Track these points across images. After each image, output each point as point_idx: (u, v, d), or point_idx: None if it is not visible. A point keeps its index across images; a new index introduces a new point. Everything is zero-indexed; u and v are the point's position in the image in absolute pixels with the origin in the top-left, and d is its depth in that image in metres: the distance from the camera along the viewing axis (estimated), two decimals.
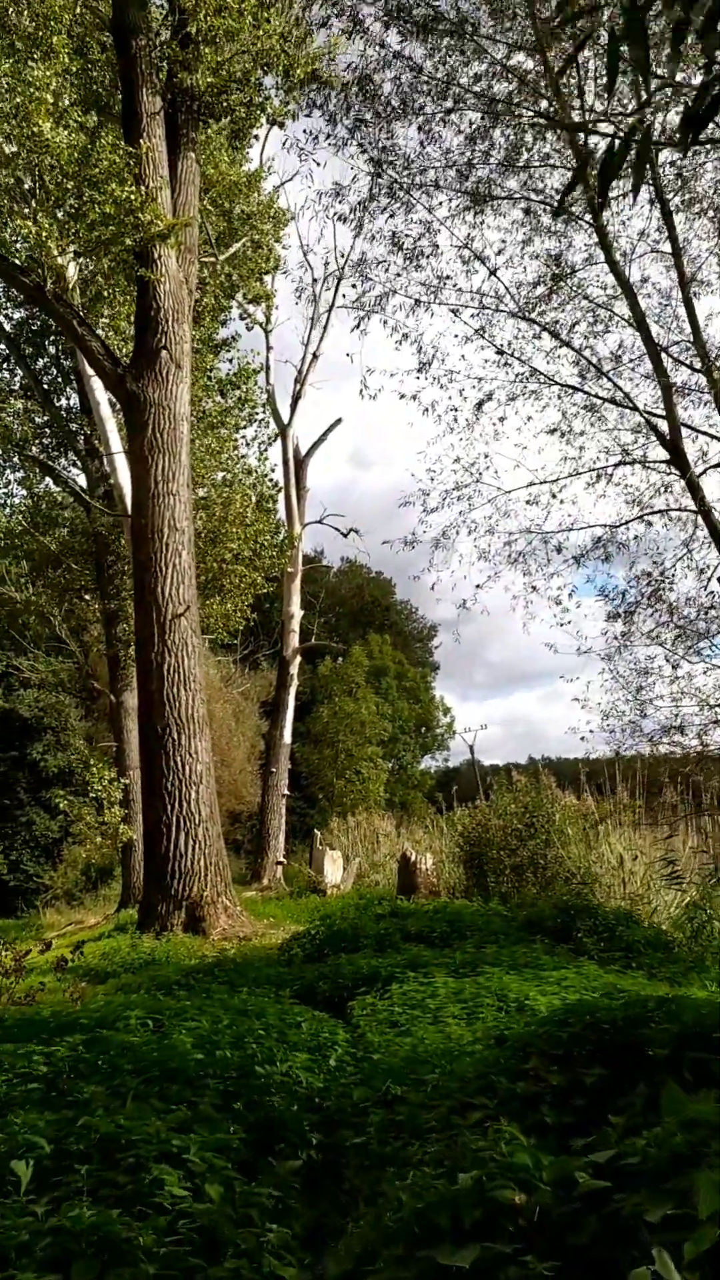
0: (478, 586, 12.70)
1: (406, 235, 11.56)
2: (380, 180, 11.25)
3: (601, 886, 15.23)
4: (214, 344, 28.38)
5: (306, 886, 22.62)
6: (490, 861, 16.71)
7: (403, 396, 12.40)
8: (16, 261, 15.59)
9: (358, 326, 12.48)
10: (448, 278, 11.68)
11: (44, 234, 14.58)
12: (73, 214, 14.90)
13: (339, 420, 33.70)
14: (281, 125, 18.20)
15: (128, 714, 23.98)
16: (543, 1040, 4.13)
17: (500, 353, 11.53)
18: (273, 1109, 4.17)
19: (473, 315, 11.70)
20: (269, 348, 31.89)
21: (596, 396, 11.34)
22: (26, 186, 14.91)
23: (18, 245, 15.74)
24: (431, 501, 12.57)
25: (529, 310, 11.28)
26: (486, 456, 12.05)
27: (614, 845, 15.50)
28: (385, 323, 11.85)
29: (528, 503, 11.69)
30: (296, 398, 32.23)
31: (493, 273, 11.35)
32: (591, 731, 11.58)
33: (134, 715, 19.00)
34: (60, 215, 15.07)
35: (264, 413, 29.31)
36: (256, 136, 20.73)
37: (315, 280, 33.36)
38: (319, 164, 11.98)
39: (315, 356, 32.48)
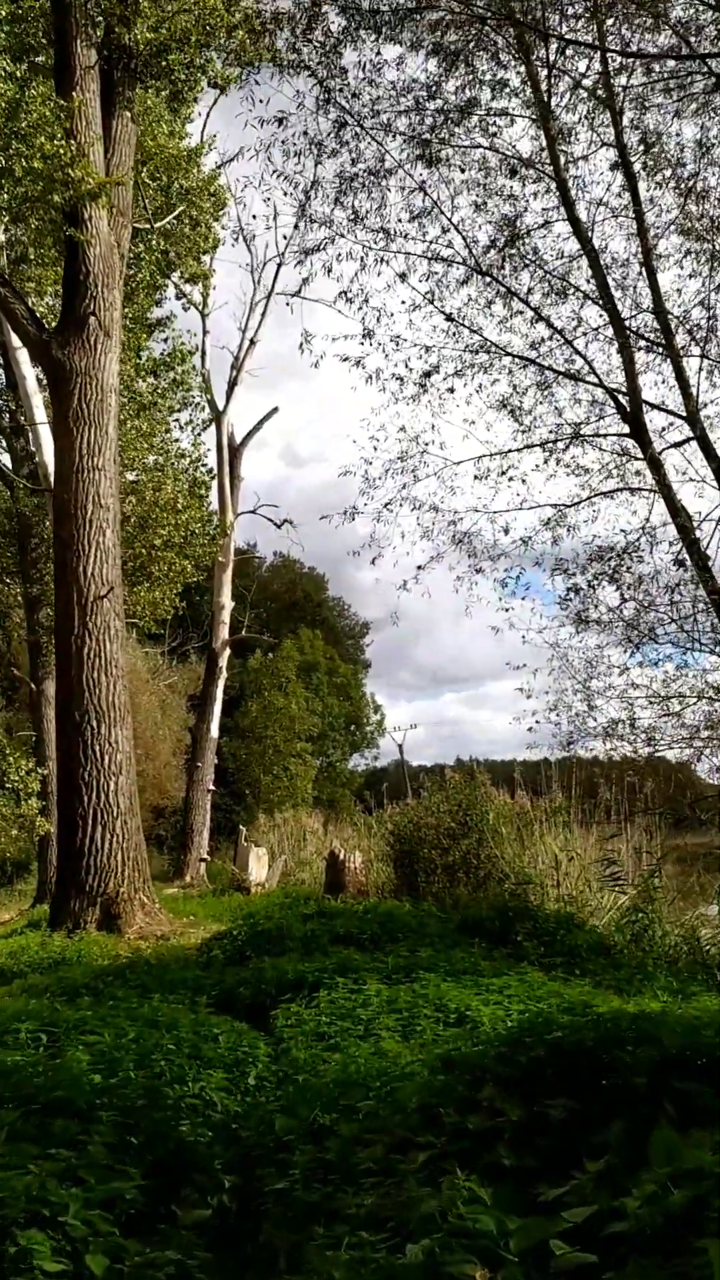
0: (419, 567, 12.10)
1: (355, 181, 10.88)
2: (328, 110, 10.58)
3: (535, 887, 14.79)
4: (148, 323, 27.49)
5: (230, 884, 21.92)
6: (422, 861, 16.17)
7: (345, 359, 11.73)
8: None
9: (299, 264, 11.74)
10: (398, 235, 11.04)
11: None
12: None
13: (275, 409, 32.95)
14: (224, 89, 17.47)
15: (48, 703, 23.03)
16: (497, 1064, 3.56)
17: (450, 319, 10.95)
18: (180, 1143, 3.55)
19: (421, 278, 11.14)
20: (205, 331, 31.26)
21: (551, 369, 10.84)
22: None
23: None
24: (374, 471, 11.90)
25: (483, 266, 10.67)
26: (434, 427, 11.46)
27: (549, 845, 15.06)
28: (329, 270, 11.14)
29: (476, 478, 11.14)
30: (233, 384, 31.51)
31: (447, 229, 10.75)
32: (538, 722, 11.04)
33: (55, 704, 18.13)
34: None
35: (199, 396, 28.51)
36: (197, 99, 19.91)
37: (255, 266, 32.70)
38: (262, 102, 11.09)
39: (253, 343, 31.80)
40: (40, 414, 21.83)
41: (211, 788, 28.20)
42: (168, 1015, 5.48)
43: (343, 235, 10.95)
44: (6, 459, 26.63)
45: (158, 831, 34.38)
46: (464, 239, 10.78)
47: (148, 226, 19.01)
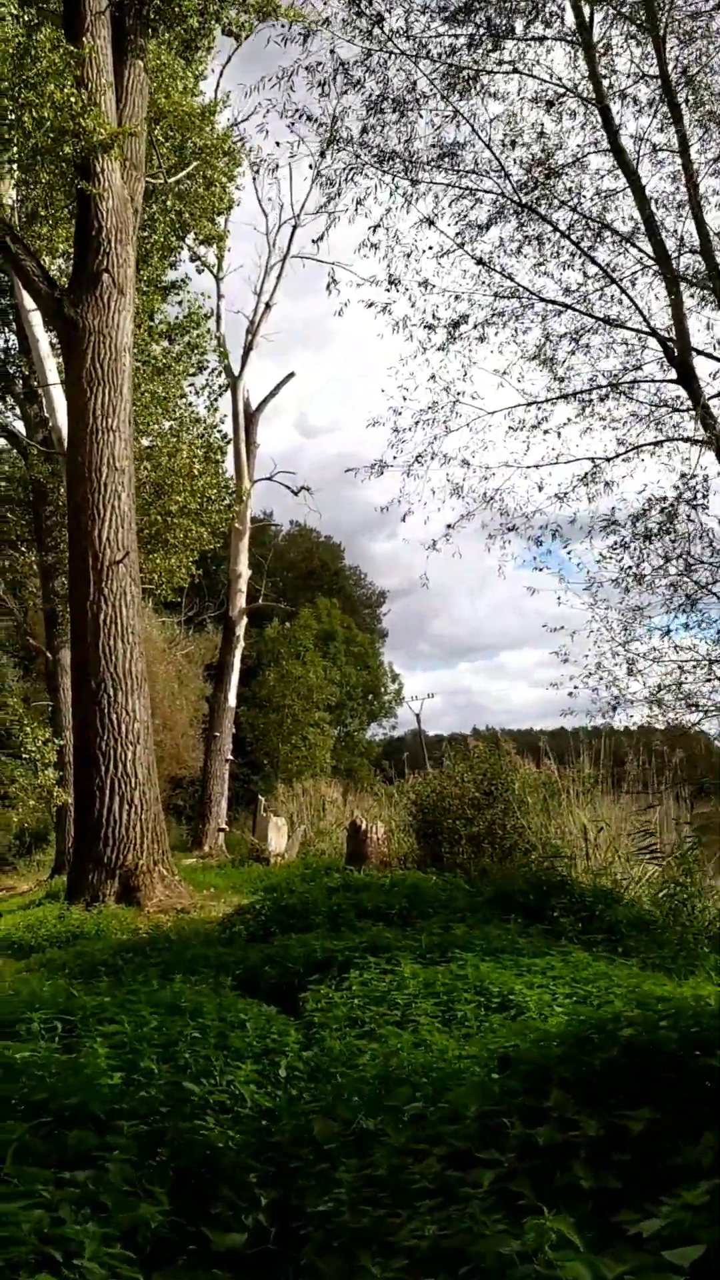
0: (449, 526, 11.63)
1: (383, 112, 10.31)
2: (357, 22, 9.98)
3: (563, 859, 14.44)
4: (162, 285, 26.94)
5: (249, 854, 21.65)
6: (445, 831, 15.83)
7: (371, 304, 11.20)
8: None
9: (325, 204, 11.19)
10: (427, 169, 10.46)
11: None
12: (6, 116, 13.50)
13: (291, 374, 32.34)
14: (238, 36, 16.87)
15: (64, 672, 22.73)
16: (561, 1065, 3.19)
17: (481, 263, 10.42)
18: (208, 1152, 3.19)
19: (450, 222, 10.61)
20: (220, 295, 30.51)
21: (590, 315, 10.33)
22: None
23: None
24: (404, 421, 11.39)
25: (522, 199, 10.09)
26: (465, 375, 10.93)
27: (578, 816, 14.69)
28: (359, 204, 10.58)
29: (511, 429, 10.64)
30: (248, 348, 30.88)
31: (479, 167, 10.16)
32: (576, 688, 10.60)
33: (71, 672, 17.81)
34: None
35: (214, 360, 27.98)
36: (210, 48, 19.27)
37: (269, 229, 32.02)
38: (279, 43, 10.53)
39: (268, 306, 31.17)
40: (54, 377, 21.40)
41: (230, 757, 27.92)
42: (191, 1000, 5.14)
43: (369, 169, 10.40)
44: (20, 426, 26.24)
45: (175, 802, 34.20)
46: (502, 167, 10.20)
47: (161, 182, 18.41)
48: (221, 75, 26.66)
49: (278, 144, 22.44)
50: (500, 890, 9.25)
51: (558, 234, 10.12)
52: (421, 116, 10.38)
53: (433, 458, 11.07)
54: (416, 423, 11.12)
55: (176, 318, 26.63)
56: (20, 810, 29.34)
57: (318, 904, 8.95)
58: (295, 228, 31.22)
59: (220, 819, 26.74)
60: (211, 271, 30.23)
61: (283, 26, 15.03)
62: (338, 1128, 3.38)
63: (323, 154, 10.75)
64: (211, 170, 25.90)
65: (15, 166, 15.46)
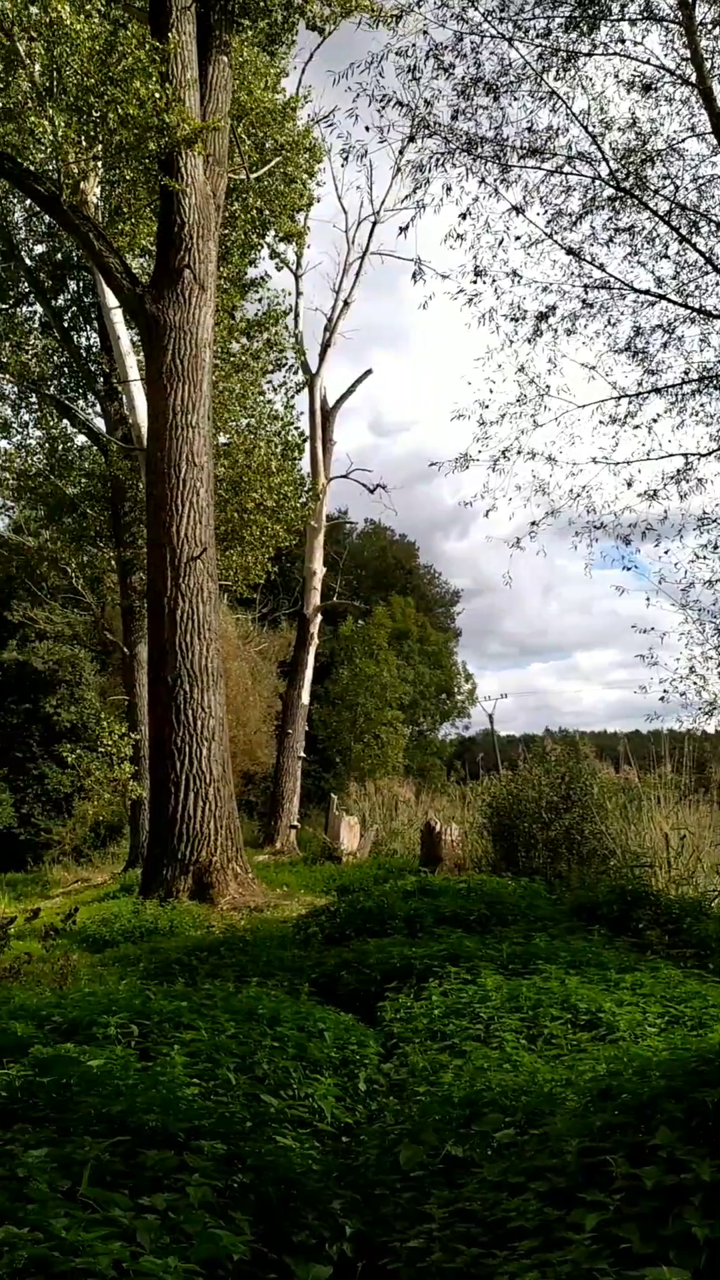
0: (534, 524, 11.34)
1: (474, 95, 10.08)
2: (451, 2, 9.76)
3: (644, 867, 14.07)
4: (242, 283, 27.00)
5: (322, 853, 21.56)
6: (521, 835, 15.55)
7: (459, 293, 10.94)
8: (31, 168, 14.31)
9: (415, 191, 10.98)
10: (518, 153, 10.19)
11: (60, 135, 13.29)
12: (91, 113, 13.55)
13: (369, 371, 32.24)
14: (321, 31, 16.77)
15: (141, 667, 22.90)
16: (669, 1099, 2.97)
17: (572, 253, 10.15)
18: (289, 1174, 3.04)
19: (540, 213, 10.35)
20: (299, 293, 30.34)
21: (685, 305, 9.98)
22: (42, 82, 13.57)
23: (31, 151, 14.45)
24: (490, 414, 11.13)
25: (617, 178, 9.74)
26: (552, 368, 10.65)
27: (659, 822, 14.31)
28: (448, 190, 10.35)
29: (601, 423, 10.34)
30: (326, 345, 30.77)
31: (571, 154, 9.86)
32: (666, 692, 10.27)
33: (147, 668, 17.88)
34: (78, 119, 13.74)
35: (292, 358, 27.95)
36: (294, 41, 19.19)
37: (349, 225, 31.86)
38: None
39: (347, 303, 31.00)
40: (134, 373, 21.54)
41: (302, 755, 27.89)
42: (268, 1006, 5.00)
43: (459, 154, 10.16)
44: (101, 423, 26.51)
45: (248, 798, 34.29)
46: (601, 152, 9.90)
47: (243, 178, 18.39)
48: (304, 72, 26.59)
49: (366, 129, 22.21)
50: (582, 899, 9.00)
51: (653, 221, 9.81)
52: (515, 100, 10.15)
53: (519, 453, 10.81)
54: (503, 416, 10.87)
55: (256, 314, 26.68)
56: (96, 803, 29.75)
57: (394, 908, 8.79)
58: (375, 224, 31.02)
59: (292, 816, 26.72)
60: (290, 269, 30.23)
61: (369, 7, 14.90)
62: (425, 1154, 3.20)
63: (412, 139, 10.55)
64: (292, 167, 25.94)
65: (100, 164, 15.52)
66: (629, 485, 10.65)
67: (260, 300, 26.96)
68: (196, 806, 13.19)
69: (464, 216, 10.75)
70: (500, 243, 10.70)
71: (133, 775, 22.08)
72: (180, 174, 14.16)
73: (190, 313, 14.25)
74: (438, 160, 10.49)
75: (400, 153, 10.87)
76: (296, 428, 27.04)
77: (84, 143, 13.84)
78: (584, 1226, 2.50)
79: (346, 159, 12.55)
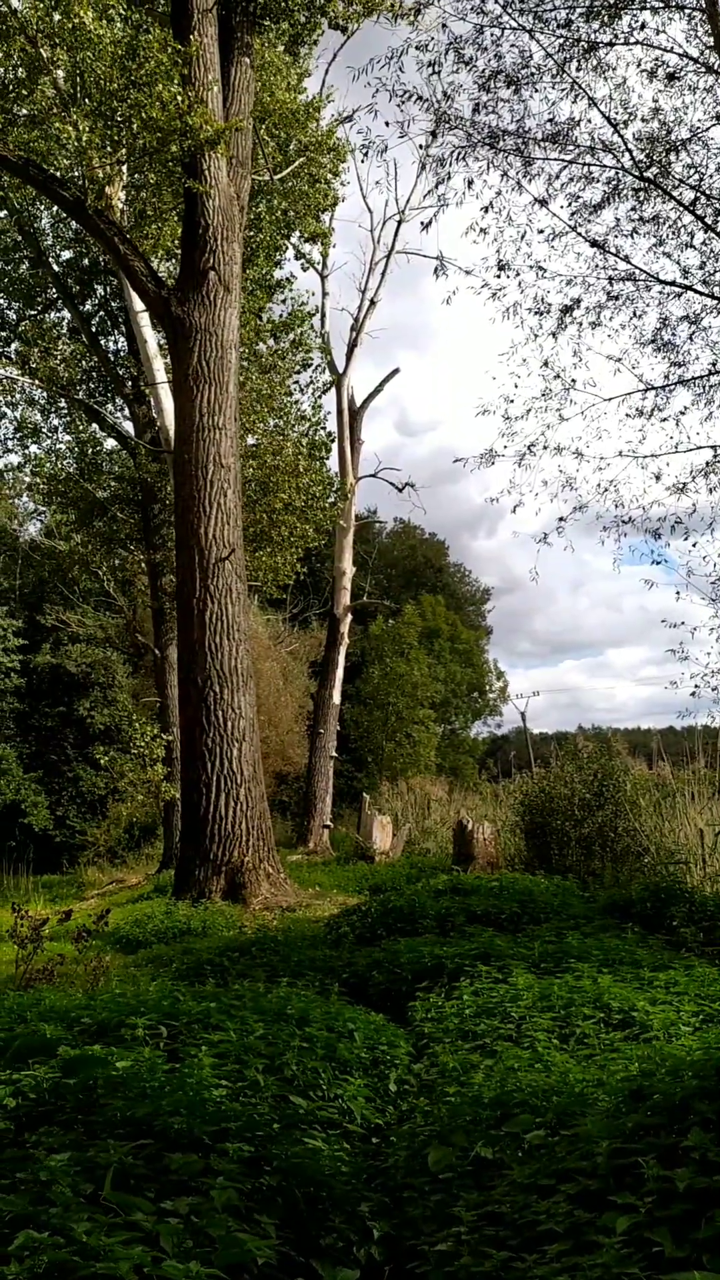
0: (561, 519, 11.25)
1: (495, 87, 10.00)
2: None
3: (679, 864, 13.94)
4: (268, 284, 27.04)
5: (354, 852, 21.55)
6: (554, 832, 15.46)
7: (483, 287, 10.85)
8: (56, 173, 14.40)
9: (436, 186, 10.88)
10: (540, 145, 10.11)
11: (84, 140, 13.35)
12: (114, 117, 13.60)
13: (396, 370, 32.18)
14: (344, 30, 16.74)
15: (172, 668, 22.97)
16: (703, 1102, 2.92)
17: (597, 245, 10.06)
18: (317, 1176, 3.01)
19: (563, 205, 10.26)
20: (325, 293, 30.33)
21: (712, 295, 9.86)
22: (66, 88, 13.64)
23: (55, 156, 14.56)
24: (515, 409, 11.05)
25: (641, 169, 9.64)
26: (578, 360, 10.56)
27: (693, 819, 14.18)
28: (469, 184, 10.28)
29: (627, 415, 10.24)
30: (352, 345, 30.75)
31: (594, 144, 9.76)
32: (697, 687, 10.16)
33: (177, 669, 17.93)
34: (102, 124, 13.80)
35: (318, 358, 27.97)
36: (317, 42, 19.16)
37: (374, 225, 31.74)
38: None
39: (373, 303, 30.97)
40: (161, 376, 21.64)
41: (334, 754, 27.89)
42: (297, 1006, 4.98)
43: (480, 148, 10.09)
44: (129, 426, 26.63)
45: (281, 798, 34.35)
46: (623, 140, 9.80)
47: (267, 179, 18.41)
48: (327, 72, 26.65)
49: (386, 124, 22.22)
50: (615, 897, 8.92)
51: (678, 211, 9.69)
52: (536, 92, 10.07)
53: (545, 447, 10.72)
54: (528, 411, 10.79)
55: (281, 315, 26.72)
56: (129, 804, 29.91)
57: (425, 907, 8.75)
58: (400, 223, 30.99)
59: (325, 816, 26.73)
60: (316, 269, 30.26)
61: (391, 6, 14.87)
62: (454, 1155, 3.17)
63: (434, 133, 10.50)
64: (316, 167, 25.95)
65: (124, 168, 15.58)
66: (657, 479, 10.56)
67: (286, 301, 27.03)
68: (228, 807, 13.21)
69: (486, 209, 10.70)
70: (523, 236, 10.65)
71: (165, 776, 22.16)
72: (204, 176, 14.19)
73: (215, 314, 14.28)
74: (459, 154, 10.44)
75: (424, 149, 10.80)
76: (324, 427, 27.04)
77: (108, 147, 13.90)
78: (615, 1230, 2.46)
79: (366, 154, 12.48)
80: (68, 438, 27.33)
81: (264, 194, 25.89)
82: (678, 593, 10.64)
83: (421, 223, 13.07)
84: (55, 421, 27.44)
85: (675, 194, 9.73)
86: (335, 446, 28.91)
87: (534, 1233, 2.62)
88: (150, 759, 22.49)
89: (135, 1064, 3.74)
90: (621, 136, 9.98)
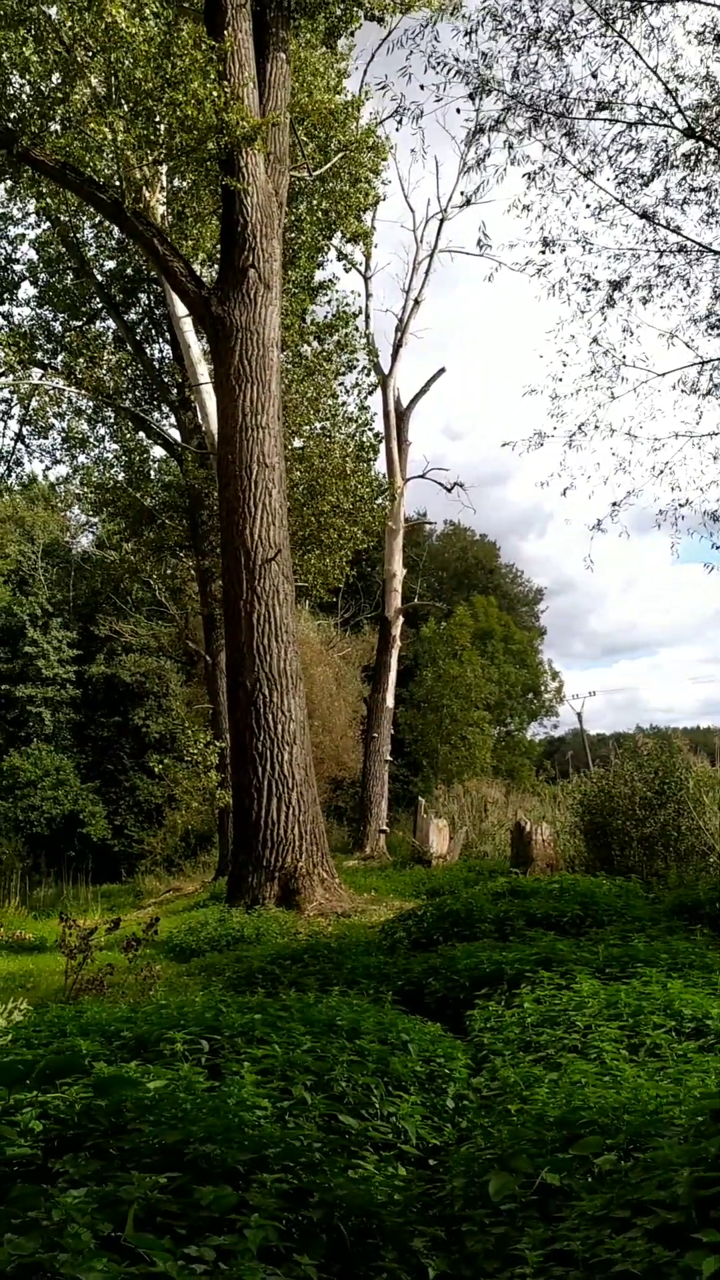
0: (614, 504, 10.83)
1: (538, 49, 9.63)
2: None
3: None
4: (311, 286, 26.92)
5: (411, 856, 21.25)
6: (615, 833, 15.04)
7: (527, 263, 10.49)
8: (94, 177, 14.32)
9: (475, 160, 10.50)
10: (580, 109, 9.71)
11: (120, 140, 13.25)
12: (150, 117, 13.48)
13: (442, 370, 31.70)
14: (382, 20, 16.50)
15: (222, 674, 22.83)
16: None
17: (646, 217, 9.67)
18: (366, 1207, 2.74)
19: (610, 178, 9.88)
20: (368, 294, 30.43)
21: None
22: (101, 90, 13.55)
23: (93, 159, 14.48)
24: (564, 388, 10.68)
25: (697, 130, 9.23)
26: (628, 337, 10.15)
27: None
28: (510, 149, 9.95)
29: (683, 393, 9.84)
30: (398, 346, 30.49)
31: (641, 104, 9.36)
32: None
33: (225, 673, 17.76)
34: (139, 124, 13.69)
35: (363, 359, 27.75)
36: (354, 33, 18.91)
37: (416, 224, 31.49)
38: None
39: (417, 303, 30.70)
40: (205, 379, 21.54)
41: (389, 758, 27.60)
42: (348, 1017, 4.70)
43: (520, 113, 9.74)
44: (176, 434, 26.63)
45: (336, 803, 34.16)
46: (675, 102, 9.38)
47: (306, 177, 18.22)
48: (365, 72, 26.43)
49: (421, 87, 21.72)
50: (682, 898, 8.53)
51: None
52: (578, 51, 9.70)
53: (596, 427, 10.32)
54: (578, 391, 10.39)
55: (326, 317, 26.57)
56: (185, 812, 29.91)
57: (483, 910, 8.44)
58: (442, 221, 30.71)
59: (381, 820, 26.44)
60: (359, 270, 30.07)
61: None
62: (517, 1183, 2.87)
63: (471, 97, 10.16)
64: (356, 167, 25.77)
65: (163, 170, 15.47)
66: (715, 459, 10.11)
67: (330, 303, 26.87)
68: (280, 812, 12.98)
69: (530, 179, 10.30)
70: (568, 203, 10.26)
71: (219, 783, 22.04)
72: (241, 173, 14.02)
73: (256, 313, 14.10)
74: (496, 124, 10.09)
75: (467, 133, 10.47)
76: (371, 429, 26.82)
77: (144, 148, 13.79)
78: (701, 1272, 2.15)
79: (401, 121, 12.08)
80: (115, 446, 27.42)
81: (304, 194, 25.77)
82: None
83: (461, 194, 12.68)
84: (102, 430, 27.57)
85: None
86: (382, 448, 28.69)
87: (608, 1273, 2.32)
88: (205, 766, 22.40)
89: (171, 1083, 3.48)
90: (673, 96, 9.58)
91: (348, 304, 26.81)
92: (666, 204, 9.76)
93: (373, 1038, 4.47)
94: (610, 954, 6.29)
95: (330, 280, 27.47)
